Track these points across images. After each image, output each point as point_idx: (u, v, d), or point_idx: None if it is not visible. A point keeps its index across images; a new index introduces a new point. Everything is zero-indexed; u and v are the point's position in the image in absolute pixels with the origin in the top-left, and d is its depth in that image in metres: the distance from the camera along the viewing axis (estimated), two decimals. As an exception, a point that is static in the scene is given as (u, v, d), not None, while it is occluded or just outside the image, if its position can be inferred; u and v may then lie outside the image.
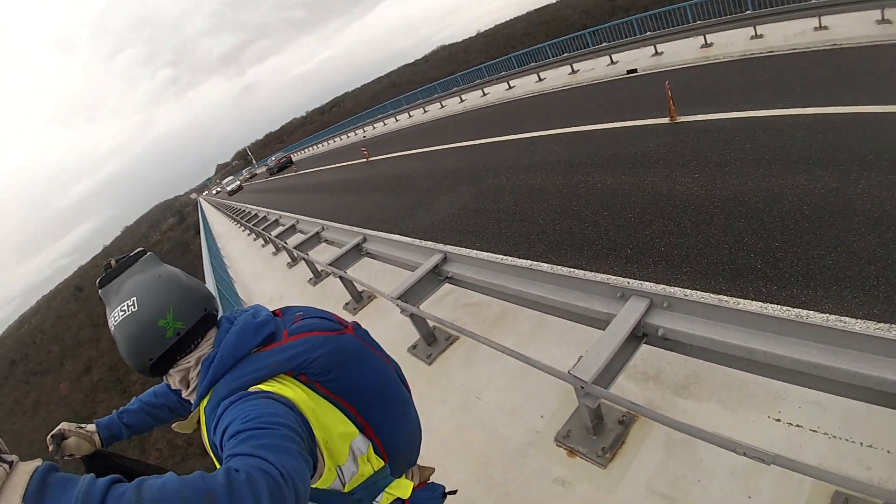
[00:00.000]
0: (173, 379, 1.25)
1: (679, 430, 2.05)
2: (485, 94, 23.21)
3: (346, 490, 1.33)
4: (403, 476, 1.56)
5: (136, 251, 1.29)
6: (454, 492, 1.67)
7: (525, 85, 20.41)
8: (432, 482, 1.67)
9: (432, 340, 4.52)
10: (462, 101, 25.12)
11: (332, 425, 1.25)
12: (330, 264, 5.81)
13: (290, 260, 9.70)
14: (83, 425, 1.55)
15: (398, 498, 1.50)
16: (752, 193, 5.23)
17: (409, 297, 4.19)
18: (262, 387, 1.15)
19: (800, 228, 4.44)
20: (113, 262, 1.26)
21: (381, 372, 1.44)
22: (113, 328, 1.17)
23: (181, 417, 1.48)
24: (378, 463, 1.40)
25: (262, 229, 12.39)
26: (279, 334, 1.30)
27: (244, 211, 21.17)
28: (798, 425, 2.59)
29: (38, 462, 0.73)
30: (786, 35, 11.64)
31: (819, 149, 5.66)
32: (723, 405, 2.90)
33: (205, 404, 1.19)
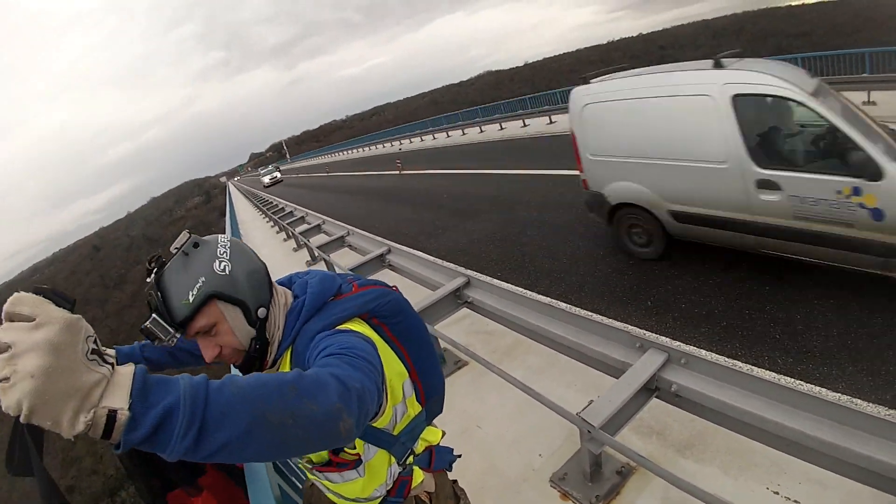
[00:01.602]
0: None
1: (679, 487, 2.06)
2: (525, 125, 23.30)
3: (395, 433, 1.43)
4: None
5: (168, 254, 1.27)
6: (459, 455, 1.75)
7: (565, 122, 20.38)
8: (444, 445, 1.73)
9: (441, 362, 4.54)
10: (502, 128, 25.24)
11: (392, 365, 1.37)
12: (351, 270, 5.87)
13: (309, 258, 9.79)
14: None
15: (428, 447, 1.62)
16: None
17: (427, 315, 4.23)
18: (350, 326, 1.27)
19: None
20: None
21: (423, 325, 1.57)
22: (229, 264, 1.22)
23: (197, 366, 1.58)
24: (418, 407, 1.52)
25: (288, 224, 12.54)
26: (345, 287, 1.41)
27: (271, 202, 21.39)
28: (796, 501, 2.58)
29: (132, 365, 0.74)
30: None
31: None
32: (724, 470, 2.89)
33: (290, 350, 1.30)
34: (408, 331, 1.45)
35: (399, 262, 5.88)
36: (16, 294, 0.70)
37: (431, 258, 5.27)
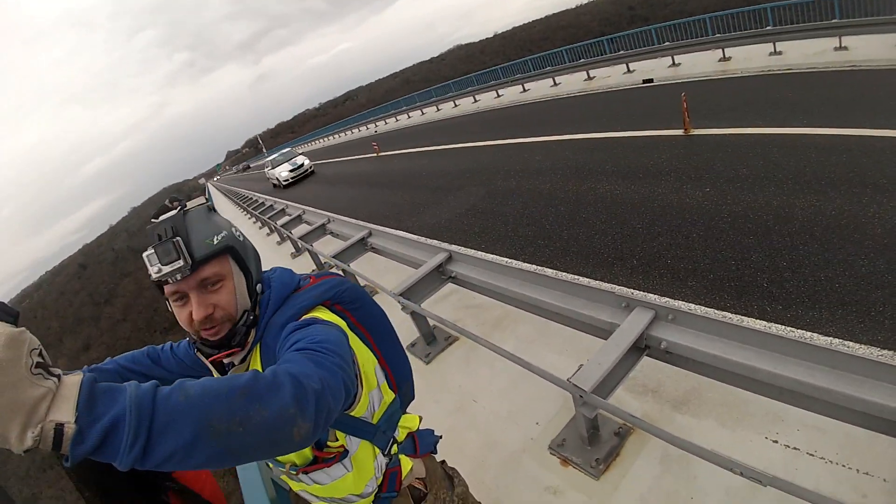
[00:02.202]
0: None
1: (676, 445, 2.03)
2: (499, 96, 23.16)
3: (374, 421, 1.43)
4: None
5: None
6: (441, 436, 1.75)
7: (540, 89, 20.36)
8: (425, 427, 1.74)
9: (431, 340, 4.50)
10: (476, 101, 25.05)
11: (361, 351, 1.38)
12: (334, 257, 5.81)
13: (293, 250, 9.69)
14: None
15: (409, 434, 1.62)
16: (762, 210, 5.20)
17: (412, 294, 4.18)
18: (316, 314, 1.27)
19: (808, 249, 4.40)
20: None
21: (383, 312, 1.56)
22: (242, 235, 1.29)
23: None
24: (391, 394, 1.52)
25: (269, 218, 12.41)
26: (304, 282, 1.42)
27: (251, 199, 21.19)
28: (795, 448, 2.57)
29: (79, 374, 0.72)
30: (805, 53, 11.56)
31: (832, 170, 5.62)
32: (721, 423, 2.88)
33: (259, 345, 1.29)
34: (370, 317, 1.45)
35: (380, 243, 5.82)
36: None
37: (412, 236, 5.21)
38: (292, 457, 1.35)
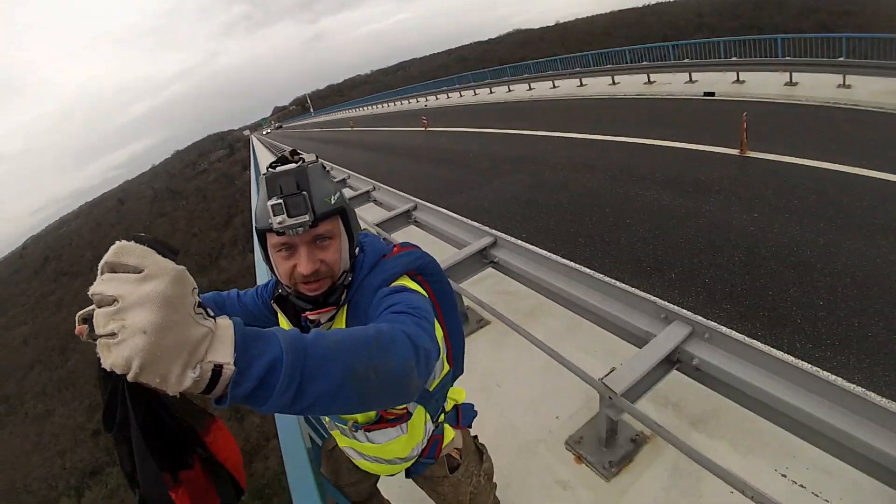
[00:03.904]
0: None
1: (694, 459, 2.11)
2: (555, 87, 22.89)
3: (431, 388, 1.51)
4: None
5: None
6: (477, 412, 1.83)
7: (597, 85, 20.11)
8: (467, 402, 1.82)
9: (464, 320, 4.59)
10: (530, 88, 24.79)
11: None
12: (377, 224, 5.91)
13: (334, 211, 9.77)
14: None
15: (455, 405, 1.72)
16: (807, 246, 5.18)
17: (452, 273, 4.26)
18: (405, 283, 1.33)
19: (847, 293, 4.39)
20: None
21: (451, 287, 1.61)
22: (338, 196, 1.27)
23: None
24: (447, 366, 1.59)
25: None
26: (389, 249, 1.46)
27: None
28: (802, 486, 2.61)
29: (227, 318, 0.73)
30: (874, 91, 11.27)
31: (885, 217, 5.56)
32: (734, 447, 2.93)
33: (346, 306, 1.35)
34: (443, 292, 1.50)
35: (425, 218, 5.90)
36: (119, 243, 0.67)
37: (458, 216, 5.27)
38: (357, 415, 1.44)
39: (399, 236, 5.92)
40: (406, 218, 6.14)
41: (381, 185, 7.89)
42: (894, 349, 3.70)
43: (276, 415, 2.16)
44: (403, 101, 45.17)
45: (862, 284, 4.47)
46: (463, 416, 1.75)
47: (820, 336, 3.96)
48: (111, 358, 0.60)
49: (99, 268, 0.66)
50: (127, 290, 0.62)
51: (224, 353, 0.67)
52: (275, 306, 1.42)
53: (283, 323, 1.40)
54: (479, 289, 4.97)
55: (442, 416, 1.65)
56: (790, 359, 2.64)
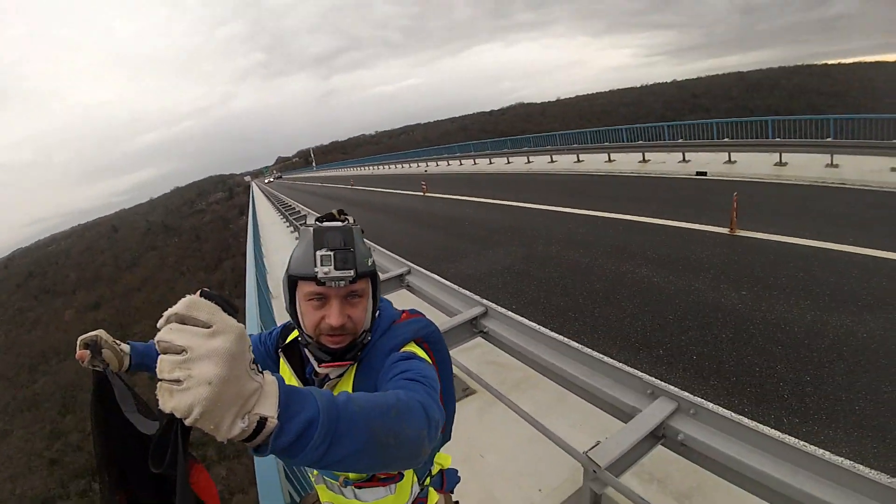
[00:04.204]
0: None
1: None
2: (552, 161, 23.48)
3: None
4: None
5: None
6: (460, 478, 1.84)
7: (594, 162, 20.63)
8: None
9: (451, 388, 4.58)
10: (529, 161, 25.44)
11: None
12: (369, 286, 5.94)
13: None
14: (119, 342, 1.53)
15: (440, 469, 1.75)
16: (794, 322, 5.25)
17: (442, 340, 4.28)
18: (415, 350, 1.38)
19: (834, 368, 4.44)
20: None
21: (449, 355, 1.65)
22: (372, 260, 1.34)
23: None
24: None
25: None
26: (398, 315, 1.52)
27: (293, 207, 21.55)
28: (790, 564, 2.60)
29: (272, 375, 0.78)
30: (861, 170, 11.68)
31: (871, 292, 5.68)
32: (721, 525, 2.93)
33: (356, 365, 1.40)
34: (442, 361, 1.53)
35: (418, 284, 5.96)
36: (191, 298, 0.73)
37: (450, 284, 5.33)
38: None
39: (391, 299, 5.91)
40: (399, 281, 6.20)
41: (377, 246, 7.98)
42: (882, 422, 3.73)
43: (257, 469, 2.16)
44: (405, 165, 46.01)
45: (849, 360, 4.52)
46: (448, 480, 1.78)
47: (807, 411, 3.98)
48: (173, 402, 0.65)
49: (165, 316, 0.71)
50: (196, 343, 0.68)
51: (269, 408, 0.73)
52: (281, 355, 1.47)
53: (285, 372, 1.45)
54: (467, 357, 4.99)
55: (428, 480, 1.67)
56: (776, 433, 2.67)
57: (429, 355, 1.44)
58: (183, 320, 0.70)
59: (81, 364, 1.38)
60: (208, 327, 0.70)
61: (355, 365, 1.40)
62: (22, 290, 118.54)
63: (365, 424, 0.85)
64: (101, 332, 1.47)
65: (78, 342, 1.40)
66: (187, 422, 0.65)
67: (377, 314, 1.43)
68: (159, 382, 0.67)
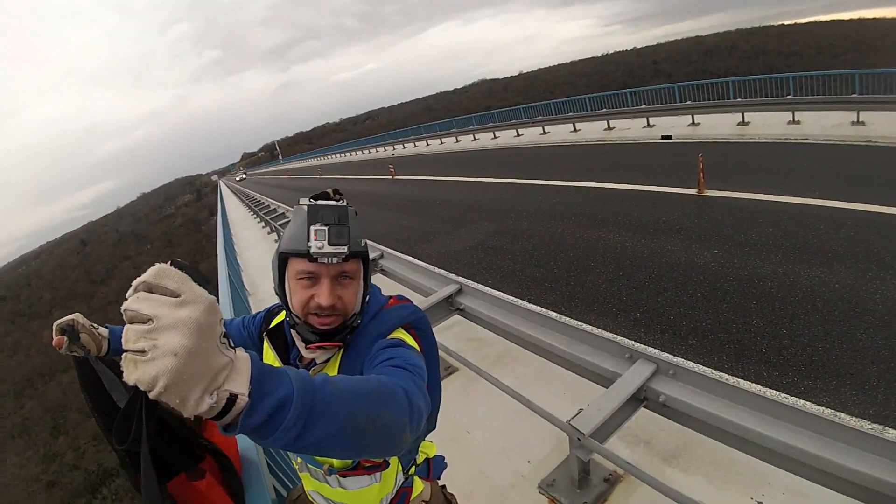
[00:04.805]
0: None
1: (667, 495, 2.11)
2: (518, 135, 23.47)
3: None
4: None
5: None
6: (447, 464, 1.80)
7: (560, 133, 20.66)
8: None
9: (433, 369, 4.55)
10: (495, 137, 25.38)
11: None
12: (342, 273, 5.89)
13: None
14: (96, 325, 1.49)
15: (425, 458, 1.70)
16: (767, 277, 5.31)
17: (419, 321, 4.25)
18: (402, 337, 1.35)
19: (809, 319, 4.50)
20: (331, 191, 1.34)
21: (436, 342, 1.60)
22: (365, 242, 1.30)
23: None
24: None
25: (280, 225, 12.52)
26: (386, 300, 1.48)
27: (262, 202, 21.32)
28: (779, 511, 2.63)
29: (245, 352, 0.75)
30: (823, 125, 11.83)
31: (839, 243, 5.76)
32: (708, 480, 2.94)
33: (343, 350, 1.35)
34: (429, 348, 1.49)
35: (392, 266, 5.92)
36: (159, 266, 0.70)
37: (424, 264, 5.30)
38: (332, 458, 1.41)
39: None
40: (373, 266, 6.14)
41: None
42: (859, 370, 3.79)
43: (242, 465, 2.10)
44: (371, 150, 45.73)
45: (823, 310, 4.58)
46: (434, 468, 1.74)
47: (786, 363, 4.02)
48: (137, 374, 0.61)
49: (134, 285, 0.68)
50: (163, 312, 0.64)
51: (240, 384, 0.70)
52: (265, 339, 1.42)
53: (269, 357, 1.40)
54: (446, 336, 4.96)
55: (413, 469, 1.63)
56: (756, 388, 2.69)
57: (416, 342, 1.40)
58: (150, 289, 0.67)
59: (59, 350, 1.34)
60: (177, 297, 0.67)
61: (342, 350, 1.35)
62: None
63: (342, 407, 0.81)
64: (77, 316, 1.42)
65: (54, 327, 1.35)
66: (151, 395, 0.61)
67: (367, 299, 1.38)
68: (124, 353, 0.63)
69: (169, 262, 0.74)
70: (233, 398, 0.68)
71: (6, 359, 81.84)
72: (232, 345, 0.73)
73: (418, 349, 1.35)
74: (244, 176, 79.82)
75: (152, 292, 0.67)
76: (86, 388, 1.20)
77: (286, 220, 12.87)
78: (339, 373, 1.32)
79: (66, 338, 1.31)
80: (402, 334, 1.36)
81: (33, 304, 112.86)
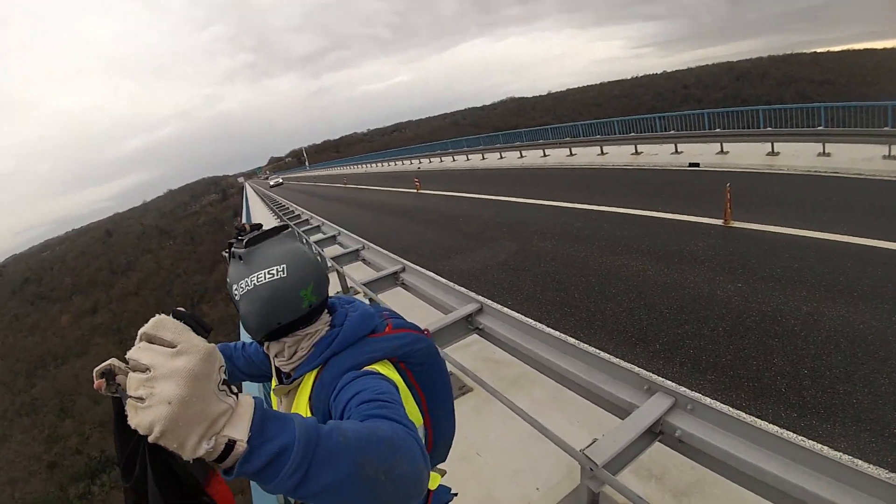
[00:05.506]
0: (281, 346, 1.36)
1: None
2: (545, 155, 23.45)
3: None
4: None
5: (278, 226, 1.41)
6: (456, 493, 1.75)
7: (586, 155, 20.61)
8: (442, 484, 1.76)
9: (447, 388, 4.54)
10: (522, 156, 25.40)
11: (411, 411, 1.37)
12: (364, 284, 5.94)
13: (323, 269, 9.78)
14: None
15: (427, 491, 1.64)
16: (791, 314, 5.23)
17: (437, 337, 4.26)
18: (377, 368, 1.31)
19: (831, 360, 4.42)
20: (248, 227, 1.36)
21: (447, 375, 1.59)
22: (251, 287, 1.26)
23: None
24: None
25: (303, 231, 12.60)
26: (381, 326, 1.44)
27: (287, 208, 21.47)
28: (791, 559, 2.58)
29: (250, 395, 0.77)
30: (853, 158, 11.66)
31: (866, 282, 5.66)
32: (720, 521, 2.90)
33: (315, 374, 1.33)
34: (431, 380, 1.48)
35: (413, 281, 5.93)
36: (158, 317, 0.75)
37: (445, 281, 5.32)
38: None
39: (386, 297, 5.93)
40: (394, 279, 6.18)
41: (371, 244, 7.96)
42: (880, 415, 3.71)
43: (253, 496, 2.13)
44: (397, 162, 45.95)
45: (846, 351, 4.50)
46: (434, 500, 1.67)
47: (805, 405, 3.96)
48: (137, 419, 0.66)
49: (137, 335, 0.73)
50: (159, 362, 0.69)
51: (240, 430, 0.73)
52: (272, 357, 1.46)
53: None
54: (462, 355, 4.95)
55: None
56: (774, 429, 2.65)
57: (406, 375, 1.40)
58: (150, 339, 0.72)
59: (101, 392, 1.41)
60: (173, 347, 0.71)
61: (313, 375, 1.35)
62: (18, 296, 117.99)
63: (348, 455, 0.81)
64: (113, 361, 1.42)
65: (94, 373, 1.37)
66: (150, 439, 0.66)
67: (334, 327, 1.38)
68: (128, 399, 0.68)
69: (171, 313, 0.78)
70: (231, 443, 0.71)
71: (23, 338, 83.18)
72: (235, 391, 0.77)
73: (399, 380, 1.32)
74: (280, 181, 73.28)
75: (151, 342, 0.72)
76: (116, 426, 1.24)
77: (309, 226, 12.88)
78: (310, 392, 1.32)
79: (104, 380, 1.39)
80: (381, 366, 1.33)
81: (55, 288, 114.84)
